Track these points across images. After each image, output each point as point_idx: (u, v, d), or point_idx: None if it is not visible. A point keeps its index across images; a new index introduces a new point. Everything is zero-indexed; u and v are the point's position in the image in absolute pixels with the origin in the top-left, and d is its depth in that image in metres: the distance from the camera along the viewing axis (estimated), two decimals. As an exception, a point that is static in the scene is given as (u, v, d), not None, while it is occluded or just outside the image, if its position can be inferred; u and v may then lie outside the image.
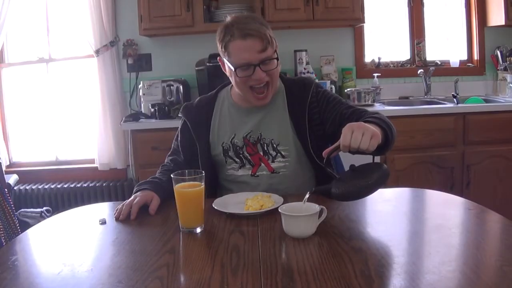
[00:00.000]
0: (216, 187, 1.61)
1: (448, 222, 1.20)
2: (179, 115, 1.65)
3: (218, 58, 1.53)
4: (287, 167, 1.53)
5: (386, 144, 1.26)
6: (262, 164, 1.53)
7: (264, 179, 1.53)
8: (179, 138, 1.63)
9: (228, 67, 1.48)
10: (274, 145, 1.53)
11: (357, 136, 1.11)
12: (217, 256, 1.03)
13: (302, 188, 1.54)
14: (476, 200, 1.33)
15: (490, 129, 2.76)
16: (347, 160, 1.23)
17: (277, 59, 1.45)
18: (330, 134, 1.51)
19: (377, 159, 1.41)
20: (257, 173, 1.54)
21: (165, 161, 1.63)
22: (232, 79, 1.50)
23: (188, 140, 1.60)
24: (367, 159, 1.19)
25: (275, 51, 1.46)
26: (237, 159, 1.55)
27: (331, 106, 1.51)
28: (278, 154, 1.53)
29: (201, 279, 0.92)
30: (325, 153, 1.20)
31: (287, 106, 1.55)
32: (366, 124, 1.17)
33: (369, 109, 2.95)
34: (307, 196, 1.15)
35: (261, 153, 1.54)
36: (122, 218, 1.30)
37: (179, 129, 1.64)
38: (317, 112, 1.53)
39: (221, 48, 1.46)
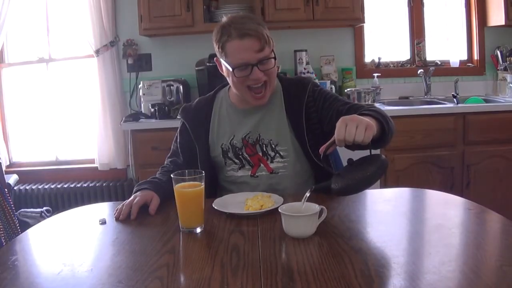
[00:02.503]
0: (216, 188, 1.61)
1: (448, 222, 1.20)
2: (178, 117, 1.64)
3: (215, 58, 1.52)
4: (286, 167, 1.53)
5: (383, 137, 1.26)
6: (262, 165, 1.53)
7: (264, 180, 1.53)
8: (178, 140, 1.63)
9: (225, 67, 1.47)
10: (273, 145, 1.53)
11: (351, 129, 1.10)
12: (217, 256, 1.03)
13: (301, 188, 1.54)
14: (476, 200, 1.32)
15: (490, 129, 2.76)
16: (347, 157, 1.23)
17: (275, 58, 1.45)
18: (328, 132, 1.50)
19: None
20: (256, 174, 1.53)
21: (165, 162, 1.63)
22: (229, 80, 1.50)
23: (188, 142, 1.59)
24: (367, 154, 1.19)
25: (272, 50, 1.45)
26: (236, 160, 1.55)
27: (327, 104, 1.51)
28: (277, 155, 1.53)
29: (201, 279, 0.92)
30: (321, 149, 1.20)
31: (285, 106, 1.55)
32: (360, 117, 1.16)
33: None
34: (307, 195, 1.15)
35: (260, 154, 1.53)
36: (122, 218, 1.30)
37: (178, 130, 1.64)
38: (314, 111, 1.53)
39: (218, 48, 1.46)
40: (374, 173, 1.12)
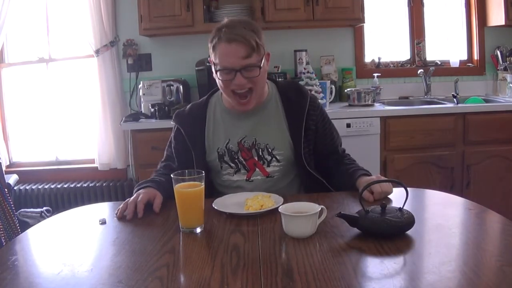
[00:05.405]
0: (212, 192, 1.59)
1: (448, 222, 1.20)
2: (172, 122, 1.64)
3: (209, 58, 1.53)
4: (281, 171, 1.53)
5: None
6: (257, 169, 1.53)
7: (259, 184, 1.53)
8: (173, 145, 1.62)
9: (213, 68, 1.48)
10: (269, 149, 1.53)
11: (384, 186, 1.37)
12: (217, 256, 1.03)
13: (296, 191, 1.56)
14: (476, 200, 1.33)
15: (490, 129, 2.76)
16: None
17: (260, 67, 1.43)
18: (317, 151, 1.58)
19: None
20: (251, 178, 1.53)
21: (158, 167, 1.62)
22: (217, 81, 1.50)
23: (183, 147, 1.58)
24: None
25: (262, 58, 1.45)
26: (232, 164, 1.54)
27: (327, 131, 1.60)
28: (274, 159, 1.53)
29: (201, 279, 0.92)
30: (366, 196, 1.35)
31: (284, 111, 1.55)
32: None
33: (369, 109, 2.95)
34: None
35: (256, 158, 1.53)
36: (129, 217, 1.29)
37: (172, 136, 1.63)
38: (313, 124, 1.55)
39: (211, 49, 1.47)
40: (405, 225, 1.09)
